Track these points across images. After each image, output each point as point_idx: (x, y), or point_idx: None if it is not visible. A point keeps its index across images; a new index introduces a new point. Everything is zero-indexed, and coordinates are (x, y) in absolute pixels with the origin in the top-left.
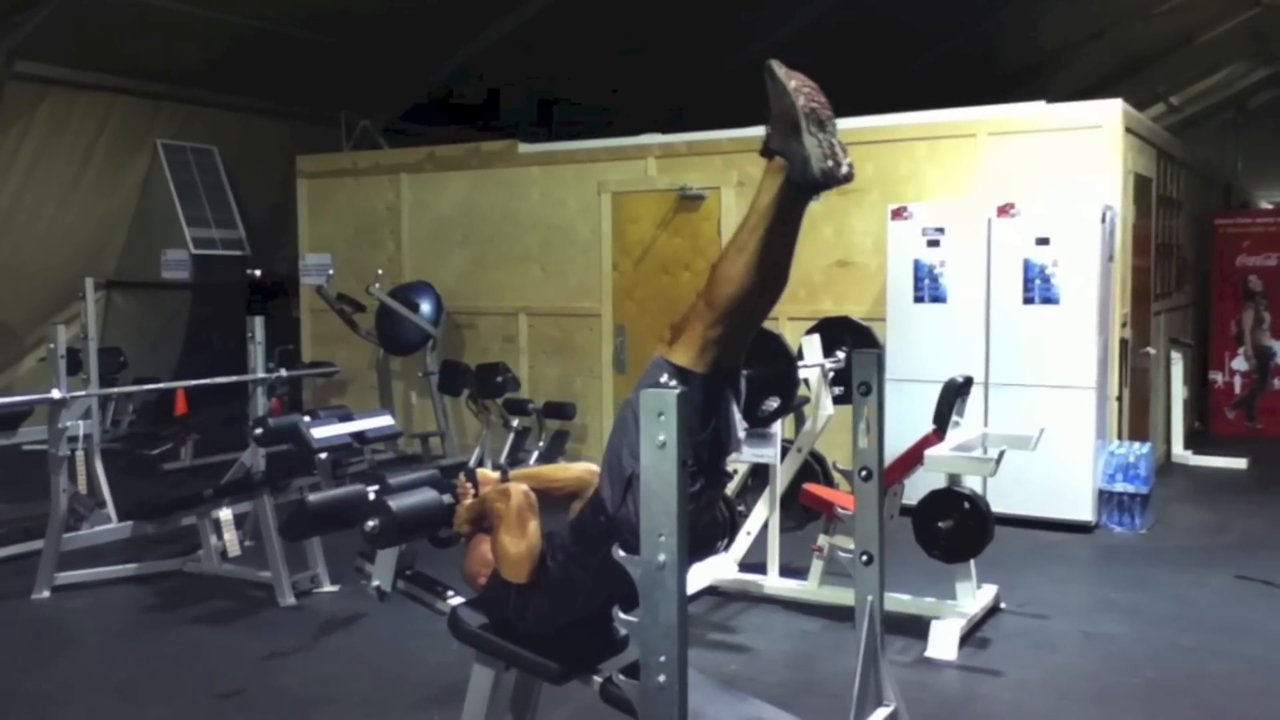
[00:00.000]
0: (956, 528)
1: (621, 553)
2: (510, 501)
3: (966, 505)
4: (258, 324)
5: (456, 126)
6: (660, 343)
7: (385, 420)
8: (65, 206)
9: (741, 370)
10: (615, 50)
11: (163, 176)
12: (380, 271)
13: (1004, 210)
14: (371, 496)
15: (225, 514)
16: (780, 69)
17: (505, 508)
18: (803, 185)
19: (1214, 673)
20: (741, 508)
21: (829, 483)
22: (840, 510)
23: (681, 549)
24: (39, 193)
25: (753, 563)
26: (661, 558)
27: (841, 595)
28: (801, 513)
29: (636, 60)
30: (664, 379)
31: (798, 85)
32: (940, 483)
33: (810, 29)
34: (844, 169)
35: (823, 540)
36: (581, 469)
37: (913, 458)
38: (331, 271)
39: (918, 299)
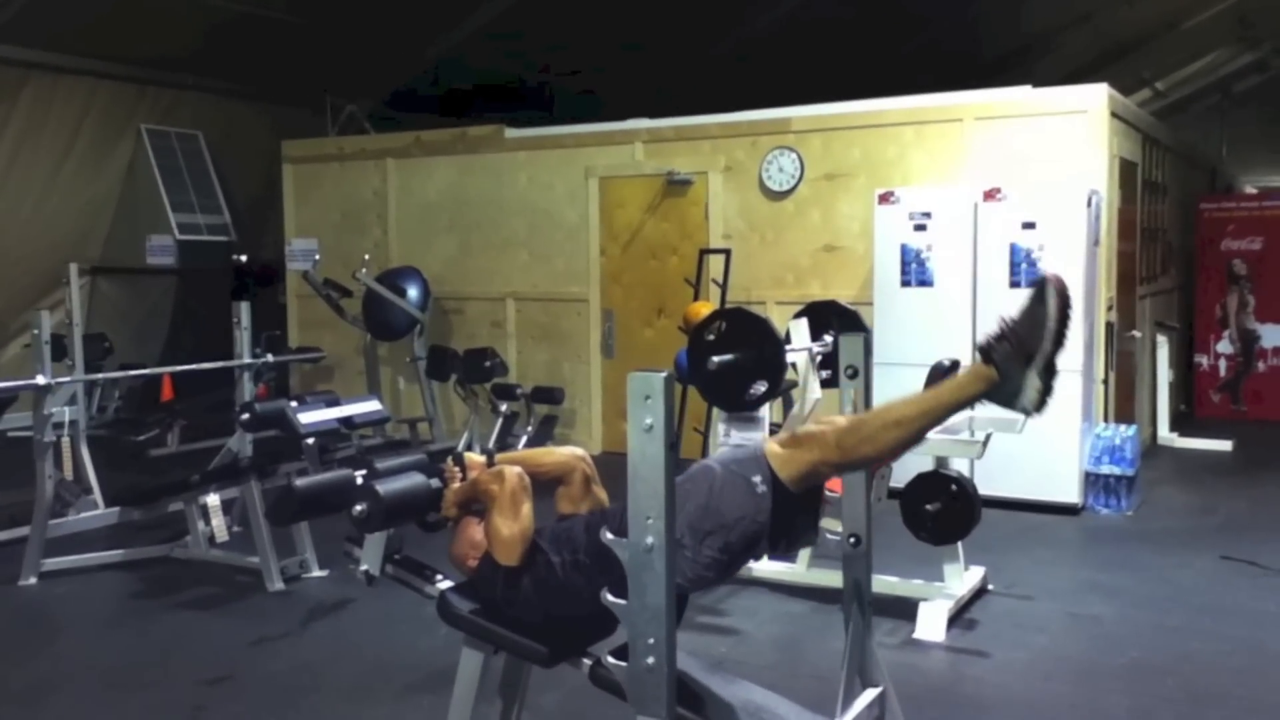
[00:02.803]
0: (944, 510)
1: (610, 535)
2: (505, 484)
3: (954, 488)
4: (244, 309)
5: (444, 114)
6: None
7: (373, 405)
8: (49, 192)
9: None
10: (603, 34)
11: (147, 162)
12: (367, 257)
13: (990, 194)
14: (359, 481)
15: (213, 500)
16: (1053, 296)
17: (499, 489)
18: (997, 404)
19: (1198, 653)
20: None
21: None
22: (828, 493)
23: (669, 532)
24: (22, 178)
25: None
26: (649, 540)
27: (830, 578)
28: None
29: (624, 44)
30: (757, 479)
31: (1057, 327)
32: (928, 465)
33: (798, 13)
34: (1044, 410)
35: None
36: (567, 453)
37: None
38: (318, 257)
39: (905, 283)
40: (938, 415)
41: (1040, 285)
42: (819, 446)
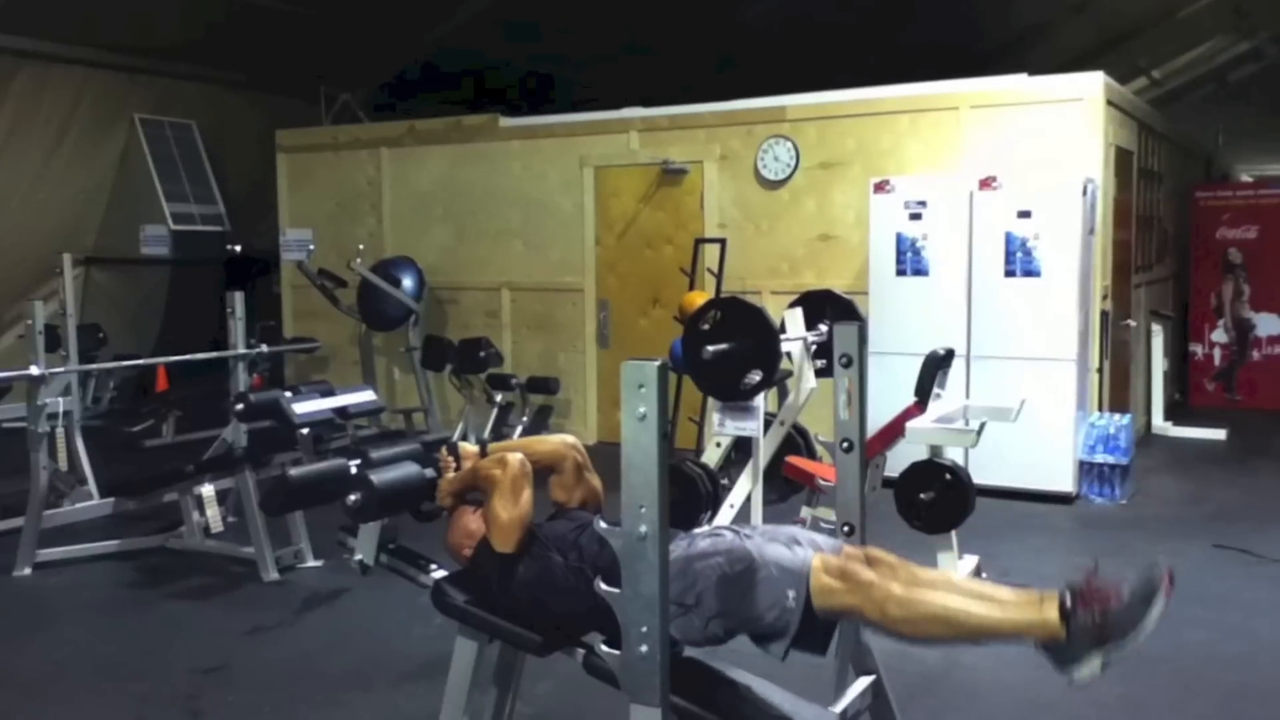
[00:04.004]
0: (938, 499)
1: (603, 524)
2: (506, 469)
3: (948, 476)
4: (238, 299)
5: (440, 103)
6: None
7: (367, 395)
8: (42, 182)
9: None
10: (599, 22)
11: (141, 152)
12: (361, 247)
13: (986, 183)
14: (353, 470)
15: (207, 490)
16: (1164, 594)
17: (501, 474)
18: (1044, 655)
19: (1191, 640)
20: (724, 481)
21: (811, 455)
22: (822, 482)
23: (662, 521)
24: (14, 168)
25: None
26: (643, 529)
27: None
28: (784, 485)
29: (621, 32)
30: (791, 594)
31: (1147, 631)
32: (922, 454)
33: (791, 3)
34: (1083, 685)
35: (805, 512)
36: (558, 441)
37: (894, 430)
38: (312, 247)
39: (900, 272)
40: (985, 638)
41: (1154, 586)
42: (864, 598)
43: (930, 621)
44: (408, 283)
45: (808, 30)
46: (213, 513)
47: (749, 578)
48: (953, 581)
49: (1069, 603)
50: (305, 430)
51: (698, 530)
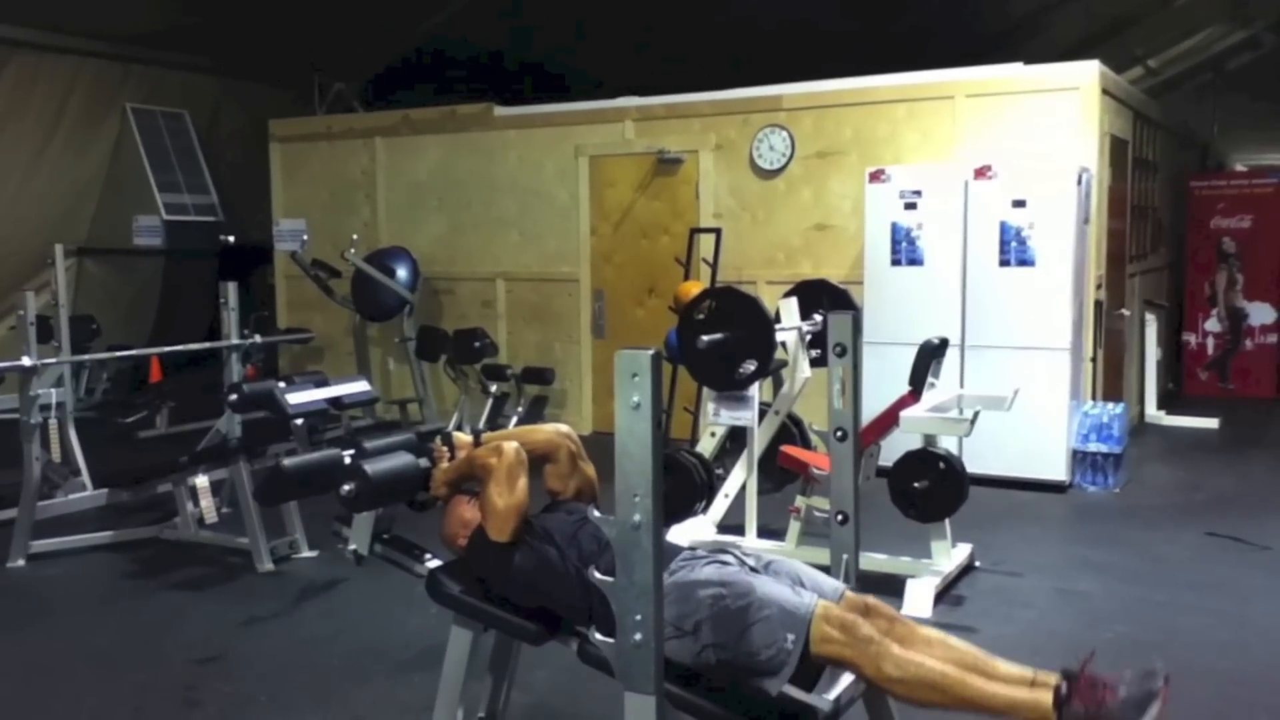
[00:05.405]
0: (932, 488)
1: (597, 513)
2: (502, 457)
3: (942, 465)
4: (231, 289)
5: (435, 92)
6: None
7: (361, 386)
8: (34, 172)
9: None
10: (595, 10)
11: (133, 141)
12: (355, 237)
13: (981, 172)
14: (347, 461)
15: (202, 481)
16: (1161, 701)
17: (497, 463)
18: None
19: (1184, 627)
20: (719, 470)
21: (806, 445)
22: (816, 471)
23: (657, 510)
24: (6, 158)
25: (731, 524)
26: (637, 518)
27: (818, 555)
28: (779, 474)
29: (615, 19)
30: (791, 637)
31: None
32: (916, 443)
33: None
34: None
35: (800, 501)
36: (552, 430)
37: (889, 419)
38: (306, 237)
39: (895, 262)
40: (976, 709)
41: (1151, 693)
42: (861, 653)
43: (924, 687)
44: (402, 273)
45: (804, 25)
46: (207, 504)
47: (748, 615)
48: (949, 644)
49: (1064, 692)
50: (299, 421)
51: (701, 551)
